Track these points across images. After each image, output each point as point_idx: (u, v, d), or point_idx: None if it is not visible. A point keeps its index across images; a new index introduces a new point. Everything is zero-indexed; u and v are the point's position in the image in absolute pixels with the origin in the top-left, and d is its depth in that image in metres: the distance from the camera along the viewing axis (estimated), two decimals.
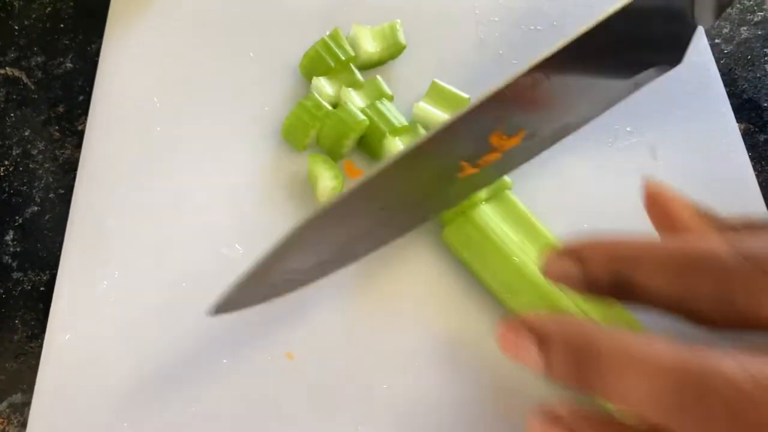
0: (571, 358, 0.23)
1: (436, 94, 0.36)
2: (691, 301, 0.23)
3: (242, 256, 0.33)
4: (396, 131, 0.34)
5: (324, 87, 0.36)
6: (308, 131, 0.35)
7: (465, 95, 0.36)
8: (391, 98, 0.36)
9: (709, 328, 0.23)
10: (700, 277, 0.23)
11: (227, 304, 0.28)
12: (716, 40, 0.41)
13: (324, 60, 0.37)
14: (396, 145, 0.34)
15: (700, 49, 0.39)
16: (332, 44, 0.37)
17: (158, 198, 0.35)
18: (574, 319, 0.25)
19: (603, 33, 0.28)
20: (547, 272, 0.26)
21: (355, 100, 0.36)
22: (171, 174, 0.35)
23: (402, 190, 0.28)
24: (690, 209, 0.26)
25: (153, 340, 0.31)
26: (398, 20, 0.38)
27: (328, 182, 0.33)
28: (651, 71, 0.33)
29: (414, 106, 0.35)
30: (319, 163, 0.33)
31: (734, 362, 0.20)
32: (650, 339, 0.22)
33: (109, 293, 0.32)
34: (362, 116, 0.34)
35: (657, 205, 0.27)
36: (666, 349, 0.21)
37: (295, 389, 0.30)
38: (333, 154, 0.35)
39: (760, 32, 0.41)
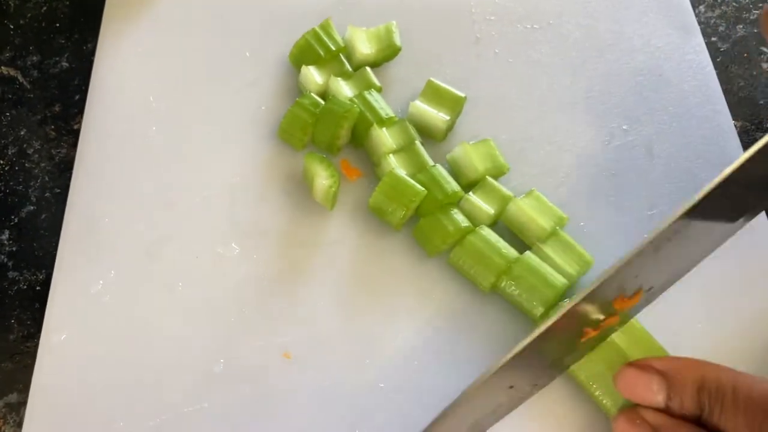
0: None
1: (432, 92, 0.36)
2: None
3: (238, 255, 0.33)
4: (382, 122, 0.34)
5: (312, 76, 0.36)
6: (306, 129, 0.35)
7: (461, 94, 0.36)
8: (379, 89, 0.37)
9: None
10: None
11: None
12: (712, 38, 0.41)
13: (313, 49, 0.37)
14: (382, 136, 0.34)
15: (695, 47, 0.39)
16: (322, 34, 0.37)
17: (154, 197, 0.35)
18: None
19: (736, 180, 0.26)
20: (621, 384, 0.26)
21: (344, 90, 0.36)
22: (166, 173, 0.35)
23: (529, 369, 0.28)
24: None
25: (149, 340, 0.31)
26: (393, 22, 0.38)
27: (323, 181, 0.33)
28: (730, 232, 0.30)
29: (410, 104, 0.35)
30: (315, 162, 0.33)
31: None
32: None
33: (105, 293, 0.32)
34: (351, 104, 0.34)
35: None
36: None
37: (292, 388, 0.30)
38: (329, 147, 0.35)
39: (755, 30, 0.41)
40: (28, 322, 0.33)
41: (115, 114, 0.37)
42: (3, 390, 0.31)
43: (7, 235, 0.35)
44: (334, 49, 0.37)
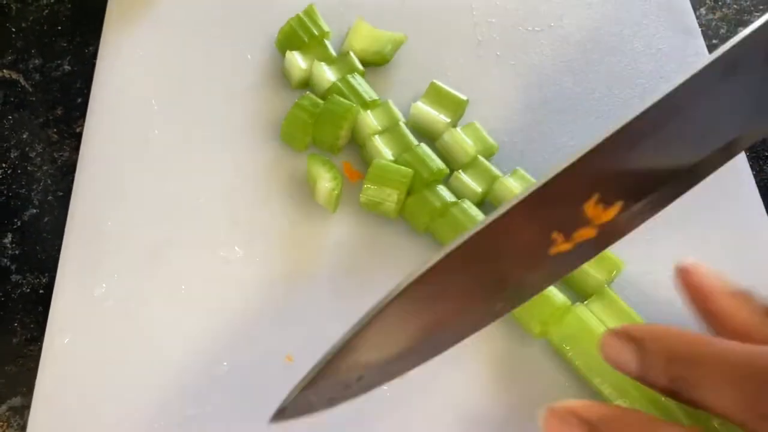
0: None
1: (434, 94, 0.36)
2: (756, 417, 0.21)
3: (241, 258, 0.33)
4: (366, 105, 0.35)
5: (296, 61, 0.37)
6: (307, 130, 0.35)
7: (463, 97, 0.36)
8: (362, 73, 0.37)
9: None
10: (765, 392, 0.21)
11: (291, 409, 0.24)
12: (713, 41, 0.41)
13: (297, 35, 0.38)
14: (366, 118, 0.35)
15: (696, 49, 0.39)
16: (306, 20, 0.38)
17: (156, 201, 0.35)
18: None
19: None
20: (602, 351, 0.25)
21: (327, 74, 0.36)
22: (169, 177, 0.35)
23: (486, 266, 0.23)
24: (727, 291, 0.26)
25: (152, 344, 0.31)
26: (405, 36, 0.39)
27: (326, 183, 0.33)
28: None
29: (411, 106, 0.36)
30: (318, 164, 0.33)
31: None
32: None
33: (108, 296, 0.32)
34: (351, 103, 0.35)
35: (692, 286, 0.26)
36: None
37: None
38: (331, 147, 0.35)
39: None
40: (32, 326, 0.33)
41: (116, 117, 0.37)
42: (6, 393, 0.31)
43: (10, 239, 0.35)
44: (317, 34, 0.37)
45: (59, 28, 0.42)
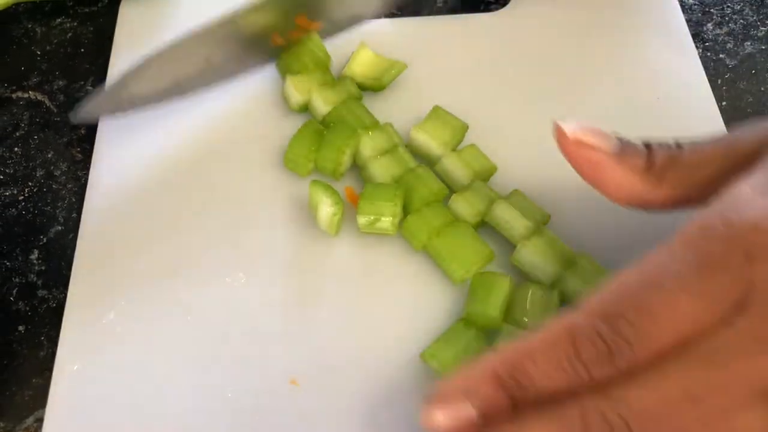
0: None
1: (435, 118, 0.36)
2: (582, 373, 0.23)
3: (245, 283, 0.34)
4: (366, 127, 0.36)
5: (296, 86, 0.38)
6: (310, 156, 0.36)
7: (463, 121, 0.36)
8: (360, 97, 0.38)
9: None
10: (583, 363, 0.23)
11: (86, 113, 0.36)
12: (720, 55, 0.42)
13: (299, 60, 0.39)
14: (366, 140, 0.35)
15: (692, 68, 0.39)
16: (309, 44, 0.39)
17: (161, 228, 0.36)
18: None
19: None
20: (433, 425, 0.24)
21: (326, 99, 0.37)
22: (173, 202, 0.36)
23: (223, 46, 0.37)
24: (608, 153, 0.28)
25: (160, 370, 0.32)
26: (406, 65, 0.39)
27: (328, 208, 0.33)
28: None
29: (411, 129, 0.36)
30: (320, 190, 0.34)
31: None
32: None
33: (117, 323, 0.33)
34: (353, 128, 0.35)
35: (573, 155, 0.28)
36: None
37: (300, 416, 0.30)
38: (333, 173, 0.36)
39: (763, 47, 0.42)
40: (57, 340, 0.34)
41: (123, 144, 0.38)
42: (34, 405, 0.32)
43: (36, 255, 0.36)
44: (319, 59, 0.39)
45: (82, 50, 0.43)
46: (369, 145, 0.36)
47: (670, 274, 0.23)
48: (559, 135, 0.28)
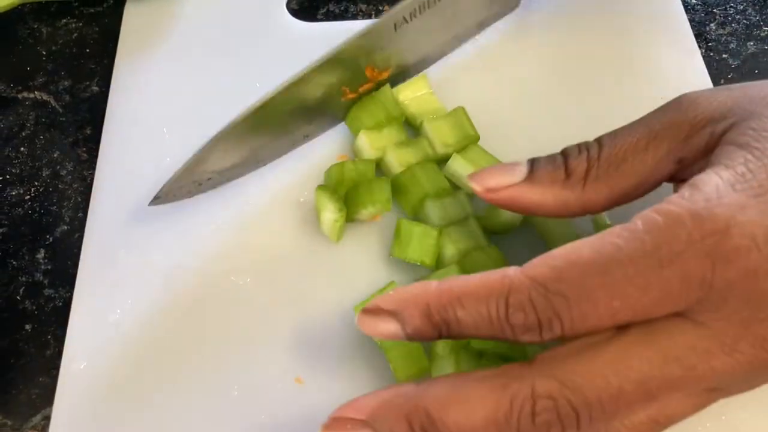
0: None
1: (473, 154, 0.35)
2: (508, 333, 0.23)
3: (250, 283, 0.34)
4: (437, 195, 0.34)
5: (367, 142, 0.36)
6: (340, 190, 0.35)
7: (498, 159, 0.35)
8: (436, 159, 0.36)
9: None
10: (511, 314, 0.23)
11: (163, 197, 0.34)
12: (723, 55, 0.42)
13: (372, 114, 0.37)
14: (436, 209, 0.34)
15: (696, 69, 0.39)
16: (381, 97, 0.37)
17: (167, 228, 0.36)
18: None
19: None
20: (364, 330, 0.26)
21: (400, 157, 0.36)
22: (179, 204, 0.36)
23: (295, 110, 0.36)
24: (516, 174, 0.28)
25: (166, 368, 0.32)
26: (462, 107, 0.37)
27: (330, 215, 0.33)
28: (492, 14, 0.41)
29: (452, 157, 0.35)
30: (325, 196, 0.34)
31: (549, 381, 0.23)
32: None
33: (122, 322, 0.33)
34: (386, 196, 0.34)
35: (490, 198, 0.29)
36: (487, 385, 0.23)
37: (305, 414, 0.31)
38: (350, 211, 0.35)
39: (766, 47, 0.42)
40: (64, 338, 0.34)
41: (128, 146, 0.38)
42: (41, 404, 0.32)
43: (43, 254, 0.37)
44: (390, 114, 0.37)
45: (87, 50, 0.43)
46: (437, 213, 0.34)
47: (623, 260, 0.22)
48: (475, 192, 0.29)
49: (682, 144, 0.26)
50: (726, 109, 0.26)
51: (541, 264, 0.23)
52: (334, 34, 0.40)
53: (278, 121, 0.36)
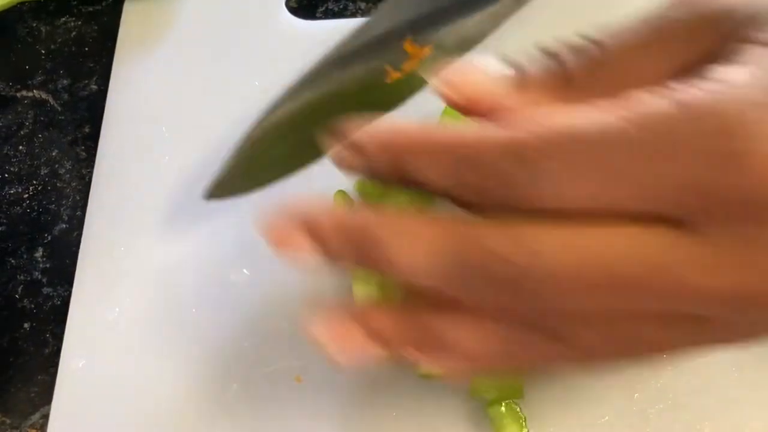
0: (349, 245, 0.23)
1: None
2: (463, 192, 0.21)
3: (247, 280, 0.34)
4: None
5: None
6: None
7: None
8: None
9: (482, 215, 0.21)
10: (471, 171, 0.20)
11: (218, 191, 0.34)
12: None
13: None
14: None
15: None
16: None
17: (165, 225, 0.36)
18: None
19: None
20: (331, 159, 0.24)
21: None
22: (177, 202, 0.36)
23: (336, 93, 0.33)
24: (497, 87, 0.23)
25: (164, 367, 0.32)
26: None
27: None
28: None
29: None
30: (341, 200, 0.33)
31: (503, 238, 0.20)
32: (424, 216, 0.22)
33: (121, 320, 0.33)
34: None
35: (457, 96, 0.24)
36: (438, 224, 0.21)
37: (304, 412, 0.31)
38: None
39: None
40: (62, 336, 0.34)
41: (127, 144, 0.38)
42: (39, 402, 0.32)
43: (41, 253, 0.37)
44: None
45: (86, 49, 0.43)
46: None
47: (623, 142, 0.18)
48: (448, 101, 0.24)
49: (687, 45, 0.21)
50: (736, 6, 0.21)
51: (540, 120, 0.20)
52: (333, 32, 0.40)
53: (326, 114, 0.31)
